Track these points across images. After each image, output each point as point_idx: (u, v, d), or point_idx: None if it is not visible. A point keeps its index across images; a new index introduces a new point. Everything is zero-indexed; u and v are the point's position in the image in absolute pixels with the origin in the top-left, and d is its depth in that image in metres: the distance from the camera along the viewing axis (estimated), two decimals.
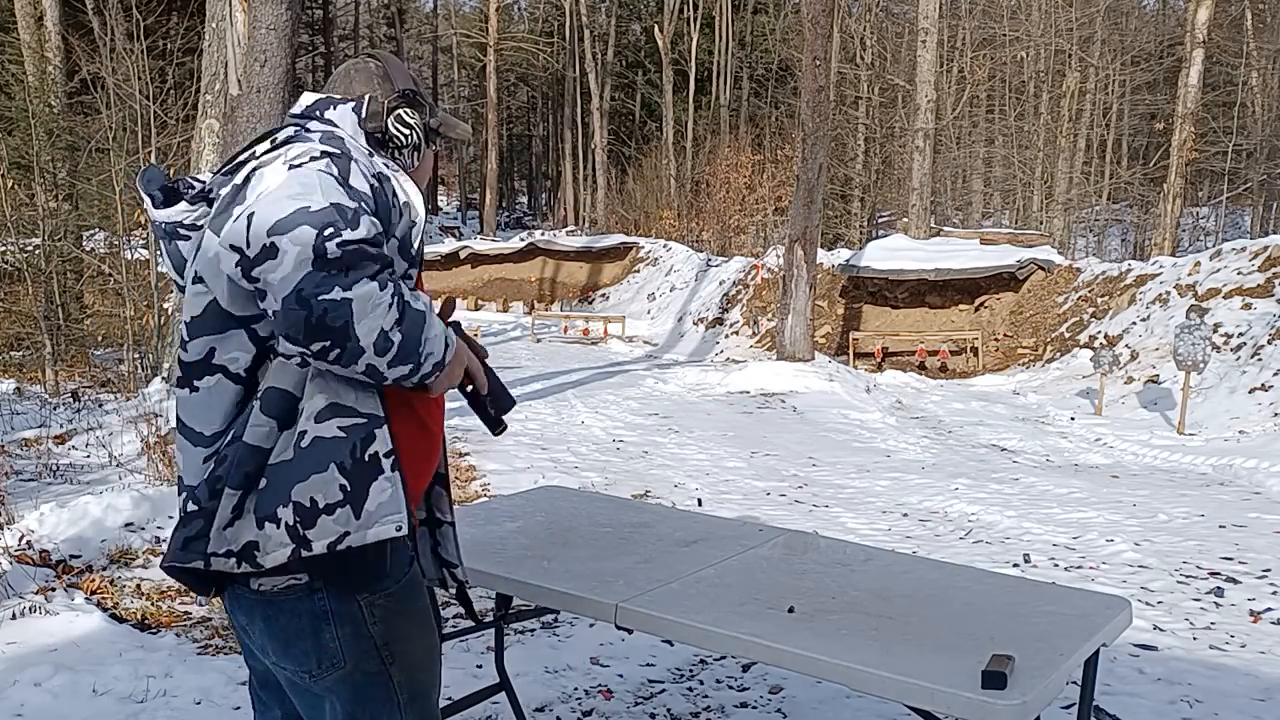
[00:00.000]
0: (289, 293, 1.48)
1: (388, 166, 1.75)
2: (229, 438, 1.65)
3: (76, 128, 12.18)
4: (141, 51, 11.00)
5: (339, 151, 1.64)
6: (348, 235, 1.51)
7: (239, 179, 1.65)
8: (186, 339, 1.67)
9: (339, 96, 1.82)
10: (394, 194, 1.70)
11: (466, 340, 1.77)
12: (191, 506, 1.64)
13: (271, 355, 1.65)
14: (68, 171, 11.78)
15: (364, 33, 46.47)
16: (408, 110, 1.83)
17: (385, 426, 1.66)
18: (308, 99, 1.84)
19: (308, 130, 1.74)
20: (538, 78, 45.34)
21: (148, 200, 1.71)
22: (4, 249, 10.64)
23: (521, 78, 46.38)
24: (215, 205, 1.67)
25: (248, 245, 1.51)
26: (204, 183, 1.77)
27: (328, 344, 1.50)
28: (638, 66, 40.94)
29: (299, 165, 1.58)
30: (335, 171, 1.59)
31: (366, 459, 1.63)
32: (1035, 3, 24.71)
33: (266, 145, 1.69)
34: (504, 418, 1.89)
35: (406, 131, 1.83)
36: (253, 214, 1.52)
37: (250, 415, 1.62)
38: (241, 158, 1.70)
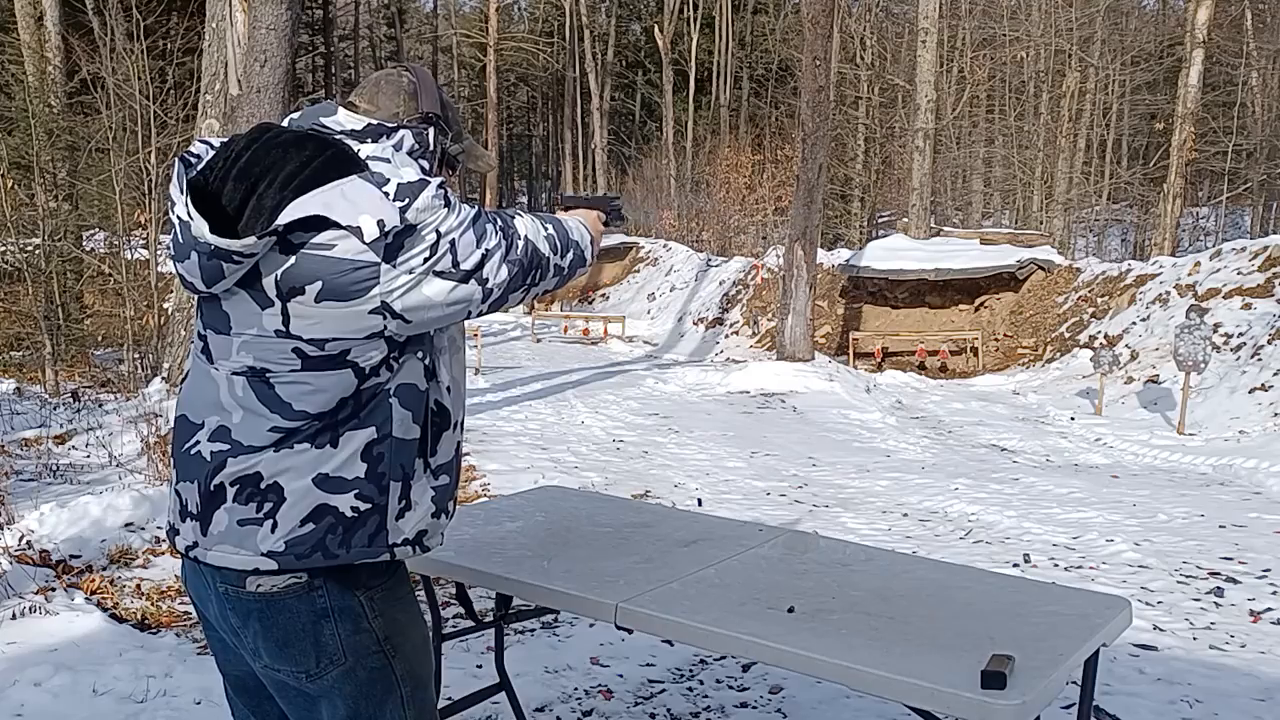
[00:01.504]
0: (504, 267, 1.71)
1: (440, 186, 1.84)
2: (364, 431, 1.68)
3: (76, 128, 12.17)
4: (141, 51, 10.99)
5: (442, 179, 1.73)
6: (486, 212, 1.73)
7: (342, 251, 1.59)
8: (323, 339, 1.63)
9: (392, 125, 1.78)
10: None
11: (582, 203, 2.06)
12: (363, 506, 1.69)
13: (400, 353, 1.70)
14: (68, 171, 11.78)
15: (364, 33, 46.46)
16: (423, 128, 1.82)
17: None
18: (356, 121, 1.77)
19: (378, 162, 1.69)
20: (538, 78, 45.32)
21: (200, 221, 1.57)
22: (4, 249, 10.64)
23: (521, 78, 46.36)
24: (352, 243, 1.59)
25: (465, 265, 1.67)
26: (199, 157, 1.67)
27: (535, 272, 1.76)
28: (638, 66, 40.95)
29: (447, 200, 1.69)
30: (445, 192, 1.69)
31: None
32: (1035, 3, 24.71)
33: (372, 226, 1.58)
34: (620, 219, 2.15)
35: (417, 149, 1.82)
36: (453, 241, 1.66)
37: (393, 411, 1.71)
38: (310, 207, 1.58)
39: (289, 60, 7.23)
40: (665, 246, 23.22)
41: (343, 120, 1.77)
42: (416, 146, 1.79)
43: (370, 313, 1.62)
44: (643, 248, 23.71)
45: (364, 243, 1.59)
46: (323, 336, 1.63)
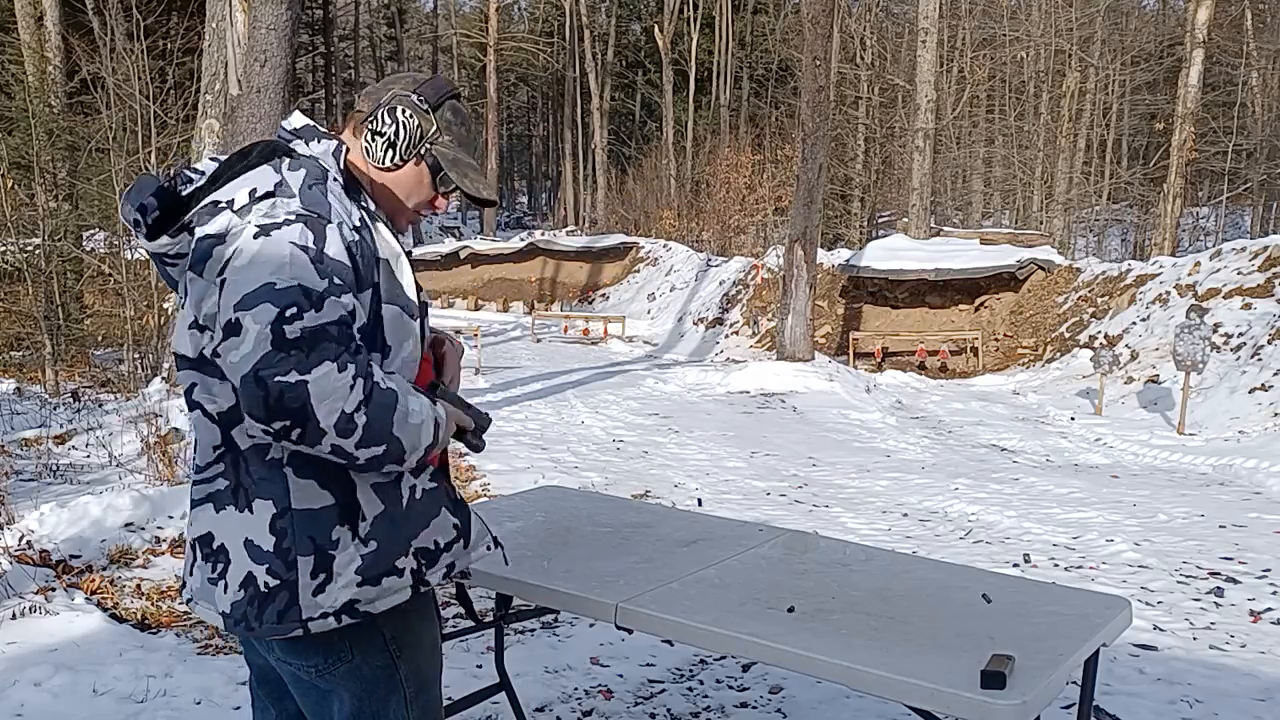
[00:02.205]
0: (247, 372, 1.48)
1: (369, 212, 1.72)
2: (265, 503, 1.64)
3: (76, 128, 12.17)
4: (141, 51, 10.99)
5: (317, 213, 1.60)
6: (309, 318, 1.51)
7: (213, 228, 1.61)
8: (178, 368, 1.70)
9: (325, 130, 1.78)
10: (373, 241, 1.68)
11: (457, 402, 1.82)
12: (273, 581, 1.63)
13: None
14: (68, 171, 11.78)
15: (364, 33, 46.46)
16: (405, 109, 1.77)
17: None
18: (299, 120, 1.79)
19: (294, 159, 1.69)
20: (538, 78, 45.35)
21: (134, 227, 1.66)
22: (4, 249, 10.63)
23: (521, 78, 46.40)
24: (196, 249, 1.63)
25: (215, 321, 1.55)
26: (203, 173, 1.72)
27: (288, 424, 1.49)
28: (638, 66, 40.96)
29: (271, 233, 1.55)
30: (309, 241, 1.57)
31: (460, 498, 1.82)
32: (1035, 3, 24.72)
33: (244, 195, 1.62)
34: (480, 445, 1.93)
35: (389, 124, 1.76)
36: (223, 281, 1.55)
37: (289, 483, 1.63)
38: (220, 194, 1.64)
39: (289, 60, 7.23)
40: (665, 246, 23.23)
41: (292, 120, 1.80)
42: (335, 162, 1.72)
43: (190, 326, 1.64)
44: (643, 248, 23.72)
45: (233, 211, 1.61)
46: (180, 351, 1.67)
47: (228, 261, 1.56)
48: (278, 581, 1.63)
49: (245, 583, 1.64)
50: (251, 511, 1.65)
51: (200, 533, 1.71)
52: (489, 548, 1.87)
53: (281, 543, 1.63)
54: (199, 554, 1.71)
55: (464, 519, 1.81)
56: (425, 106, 1.79)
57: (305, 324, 1.50)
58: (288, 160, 1.68)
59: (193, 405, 1.69)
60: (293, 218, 1.58)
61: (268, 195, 1.61)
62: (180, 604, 4.10)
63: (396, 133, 1.77)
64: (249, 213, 1.59)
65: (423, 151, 1.79)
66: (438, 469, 1.81)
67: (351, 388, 1.51)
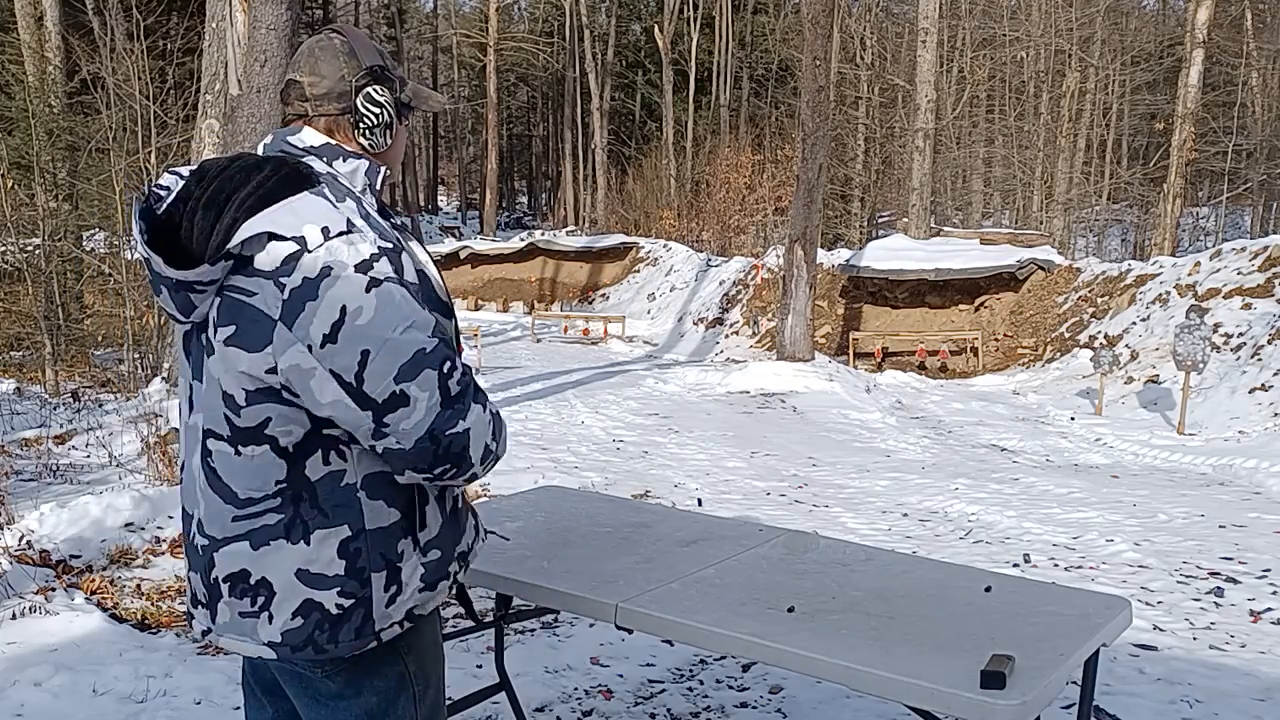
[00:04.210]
0: (423, 435, 1.56)
1: (396, 226, 1.72)
2: (336, 530, 1.63)
3: (76, 128, 12.16)
4: (141, 51, 10.99)
5: (391, 245, 1.60)
6: (459, 366, 1.61)
7: (296, 278, 1.53)
8: (242, 404, 1.60)
9: (351, 149, 1.74)
10: (414, 255, 1.68)
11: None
12: (346, 602, 1.65)
13: (351, 441, 1.63)
14: (68, 171, 11.77)
15: (364, 33, 46.43)
16: (376, 88, 1.75)
17: None
18: (316, 138, 1.73)
19: (333, 186, 1.64)
20: (538, 78, 45.36)
21: (155, 257, 1.57)
22: (4, 249, 10.63)
23: (521, 78, 46.41)
24: (288, 301, 1.54)
25: (369, 389, 1.53)
26: (168, 189, 1.65)
27: (448, 467, 1.61)
28: (638, 66, 40.96)
29: (382, 283, 1.54)
30: (400, 277, 1.58)
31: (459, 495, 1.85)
32: (1035, 3, 24.72)
33: (316, 234, 1.54)
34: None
35: (376, 111, 1.75)
36: (366, 352, 1.52)
37: (363, 506, 1.65)
38: (268, 225, 1.55)
39: (289, 60, 7.23)
40: (665, 246, 23.23)
41: (305, 138, 1.74)
42: (367, 181, 1.73)
43: (267, 371, 1.57)
44: (643, 248, 23.72)
45: (308, 250, 1.53)
46: (232, 389, 1.60)
47: (342, 320, 1.52)
48: (352, 600, 1.65)
49: (302, 611, 1.63)
50: (308, 543, 1.63)
51: (230, 571, 1.65)
52: (484, 538, 1.92)
53: (355, 563, 1.64)
54: (226, 590, 1.67)
55: (475, 518, 1.86)
56: (379, 71, 1.78)
57: (459, 374, 1.60)
58: (326, 188, 1.63)
59: (262, 440, 1.61)
60: (377, 252, 1.57)
61: (343, 233, 1.56)
62: (180, 604, 4.10)
63: (382, 114, 1.77)
64: (332, 254, 1.54)
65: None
66: None
67: (490, 423, 1.65)
